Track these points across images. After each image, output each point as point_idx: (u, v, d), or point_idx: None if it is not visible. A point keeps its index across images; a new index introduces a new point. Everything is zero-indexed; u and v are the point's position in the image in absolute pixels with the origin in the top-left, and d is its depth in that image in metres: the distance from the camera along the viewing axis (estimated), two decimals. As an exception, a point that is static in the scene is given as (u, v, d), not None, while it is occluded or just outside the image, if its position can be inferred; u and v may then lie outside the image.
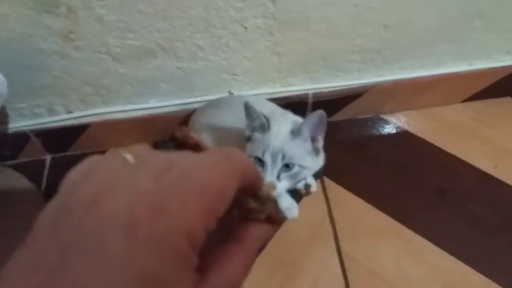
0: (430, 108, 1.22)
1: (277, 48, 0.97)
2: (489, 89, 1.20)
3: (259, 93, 1.06)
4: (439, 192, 1.04)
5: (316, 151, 0.78)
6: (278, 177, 0.75)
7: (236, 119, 0.85)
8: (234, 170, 0.22)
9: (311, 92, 1.10)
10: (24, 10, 0.79)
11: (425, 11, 0.97)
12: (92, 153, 0.98)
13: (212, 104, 0.99)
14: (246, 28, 0.91)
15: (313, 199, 1.03)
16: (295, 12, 0.90)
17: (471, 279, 0.89)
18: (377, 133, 1.19)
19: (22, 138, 1.07)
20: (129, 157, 0.22)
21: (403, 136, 1.17)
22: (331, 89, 1.11)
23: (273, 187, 0.24)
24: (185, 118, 1.07)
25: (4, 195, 1.03)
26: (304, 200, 1.02)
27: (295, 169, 0.75)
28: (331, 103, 1.13)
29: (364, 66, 1.07)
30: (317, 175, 1.04)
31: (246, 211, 0.24)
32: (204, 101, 1.04)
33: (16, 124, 1.04)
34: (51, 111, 1.03)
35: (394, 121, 1.21)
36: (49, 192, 1.06)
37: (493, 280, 0.88)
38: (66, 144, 1.13)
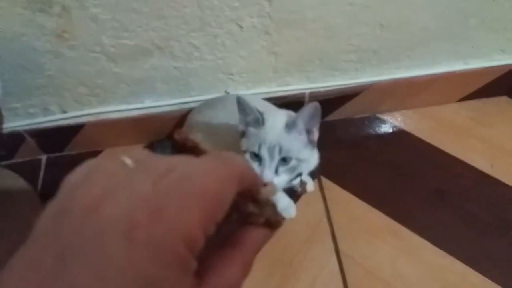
0: (427, 107, 1.22)
1: (274, 47, 0.97)
2: (486, 88, 1.21)
3: (256, 92, 1.06)
4: (436, 191, 1.04)
5: (311, 143, 0.78)
6: (276, 171, 0.74)
7: (231, 118, 0.85)
8: (232, 174, 0.22)
9: (307, 91, 1.10)
10: (18, 9, 0.79)
11: (421, 10, 0.97)
12: (88, 153, 0.99)
13: (208, 104, 0.99)
14: (241, 27, 0.91)
15: (310, 198, 1.03)
16: (291, 12, 0.90)
17: (468, 278, 0.89)
18: (374, 132, 1.19)
19: (17, 138, 1.07)
20: (128, 161, 0.22)
21: (400, 135, 1.17)
22: (327, 89, 1.11)
23: (272, 191, 0.24)
24: (181, 118, 1.07)
25: (0, 195, 1.03)
26: (302, 199, 1.02)
27: (293, 162, 0.74)
28: (328, 103, 1.13)
29: (360, 65, 1.07)
30: (314, 175, 1.04)
31: (245, 215, 0.24)
32: (200, 101, 1.03)
33: (11, 124, 1.03)
34: (46, 111, 1.03)
35: (391, 120, 1.21)
36: (45, 192, 1.06)
37: (491, 280, 0.88)
38: (62, 144, 1.12)
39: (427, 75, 1.13)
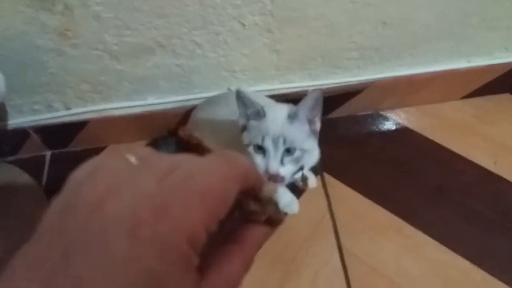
0: (429, 104, 1.22)
1: (276, 45, 0.97)
2: (488, 85, 1.20)
3: (258, 90, 1.06)
4: (439, 188, 1.04)
5: (314, 133, 0.78)
6: (281, 162, 0.73)
7: (235, 114, 0.85)
8: (235, 173, 0.22)
9: (310, 89, 1.10)
10: (20, 7, 0.79)
11: (423, 8, 0.96)
12: (92, 149, 0.99)
13: (211, 101, 0.99)
14: (244, 25, 0.91)
15: (313, 195, 1.03)
16: (293, 9, 0.90)
17: (471, 275, 0.89)
18: (377, 129, 1.19)
19: (21, 134, 1.08)
20: (132, 159, 0.23)
21: (402, 132, 1.17)
22: (329, 86, 1.10)
23: (274, 189, 0.25)
24: (184, 115, 1.08)
25: (5, 191, 1.04)
26: (304, 196, 1.03)
27: (297, 153, 0.74)
28: (330, 100, 1.13)
29: (362, 63, 1.07)
30: (316, 171, 1.04)
31: (247, 213, 0.24)
32: (203, 98, 1.04)
33: (15, 121, 1.04)
34: (50, 108, 1.03)
35: (393, 117, 1.20)
36: (50, 188, 1.07)
37: (494, 276, 0.88)
38: (66, 140, 1.13)
39: (429, 73, 1.13)
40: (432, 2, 0.96)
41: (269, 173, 0.72)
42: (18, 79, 0.93)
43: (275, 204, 0.25)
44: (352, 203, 1.02)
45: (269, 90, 1.07)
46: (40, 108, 1.02)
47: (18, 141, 1.10)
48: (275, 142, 0.72)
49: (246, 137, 0.77)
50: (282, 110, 0.77)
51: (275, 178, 0.74)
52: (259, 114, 0.75)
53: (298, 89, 1.09)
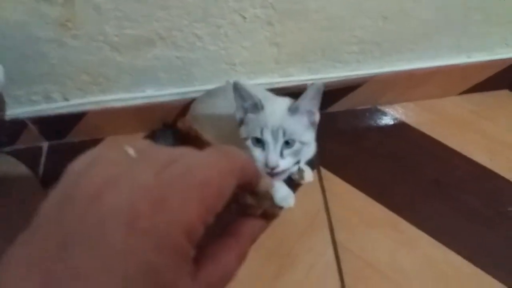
0: (428, 99, 1.22)
1: (276, 38, 0.97)
2: (487, 81, 1.20)
3: (258, 83, 1.06)
4: (435, 184, 1.05)
5: (313, 125, 0.77)
6: (281, 154, 0.73)
7: (233, 106, 0.85)
8: (233, 168, 0.22)
9: (309, 82, 1.09)
10: (21, -2, 0.79)
11: (424, 3, 0.96)
12: (90, 140, 0.99)
13: (210, 93, 0.99)
14: (245, 18, 0.91)
15: (309, 189, 1.04)
16: (294, 2, 0.89)
17: (463, 270, 0.90)
18: (375, 124, 1.19)
19: (19, 125, 1.07)
20: (131, 151, 0.23)
21: (400, 127, 1.18)
22: (329, 80, 1.10)
23: (270, 184, 0.25)
24: (183, 107, 1.07)
25: (1, 181, 1.04)
26: (300, 190, 1.03)
27: (296, 145, 0.74)
28: (330, 94, 1.13)
29: (363, 57, 1.07)
30: (312, 164, 1.05)
31: (244, 207, 0.25)
32: (202, 90, 1.03)
33: (13, 111, 1.04)
34: (48, 99, 1.03)
35: (391, 112, 1.21)
36: (47, 179, 1.07)
37: (485, 272, 0.89)
38: (63, 131, 1.13)
39: (429, 68, 1.13)
40: (434, -3, 0.95)
41: (269, 165, 0.72)
42: (18, 69, 0.92)
43: (271, 199, 0.26)
44: (348, 197, 1.02)
45: (269, 84, 1.07)
46: (38, 99, 1.02)
47: (15, 131, 1.09)
48: (274, 134, 0.72)
49: (244, 131, 0.77)
50: (280, 102, 0.76)
51: (274, 174, 0.74)
52: (257, 106, 0.74)
53: (297, 83, 1.09)
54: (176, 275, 0.19)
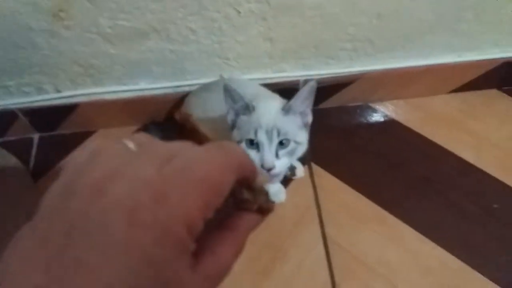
0: (418, 97, 1.23)
1: (270, 33, 0.97)
2: (477, 80, 1.22)
3: (251, 78, 1.06)
4: (423, 180, 1.07)
5: (306, 126, 0.77)
6: (276, 155, 0.72)
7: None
8: (232, 163, 0.23)
9: (302, 78, 1.11)
10: (14, -13, 0.78)
11: (418, 1, 0.97)
12: (81, 133, 0.98)
13: (205, 87, 0.99)
14: (239, 12, 0.91)
15: (300, 184, 1.05)
16: (289, -2, 0.90)
17: (449, 264, 0.92)
18: (366, 121, 1.20)
19: (9, 116, 1.06)
20: (131, 145, 0.23)
21: (390, 124, 1.19)
22: (322, 77, 1.11)
23: (266, 180, 0.26)
24: (176, 101, 1.07)
25: (-8, 173, 1.03)
26: (291, 185, 1.04)
27: (291, 145, 0.73)
28: (322, 90, 1.12)
29: (355, 54, 1.08)
30: (304, 160, 1.06)
31: (240, 201, 0.25)
32: (195, 84, 1.03)
33: (3, 102, 1.03)
34: (40, 90, 1.02)
35: (382, 110, 1.22)
36: (37, 171, 1.06)
37: (470, 266, 0.91)
38: (55, 123, 1.12)
39: (420, 66, 1.14)
40: (427, -5, 0.96)
41: (265, 167, 0.71)
42: (9, 59, 0.91)
43: (266, 194, 0.27)
44: (338, 193, 1.04)
45: (262, 79, 1.07)
46: (29, 90, 1.01)
47: (6, 122, 1.08)
48: (268, 134, 0.71)
49: (236, 134, 0.76)
50: (273, 102, 0.76)
51: (271, 175, 0.73)
52: (248, 108, 0.73)
53: (290, 79, 1.10)
54: (177, 267, 0.19)
